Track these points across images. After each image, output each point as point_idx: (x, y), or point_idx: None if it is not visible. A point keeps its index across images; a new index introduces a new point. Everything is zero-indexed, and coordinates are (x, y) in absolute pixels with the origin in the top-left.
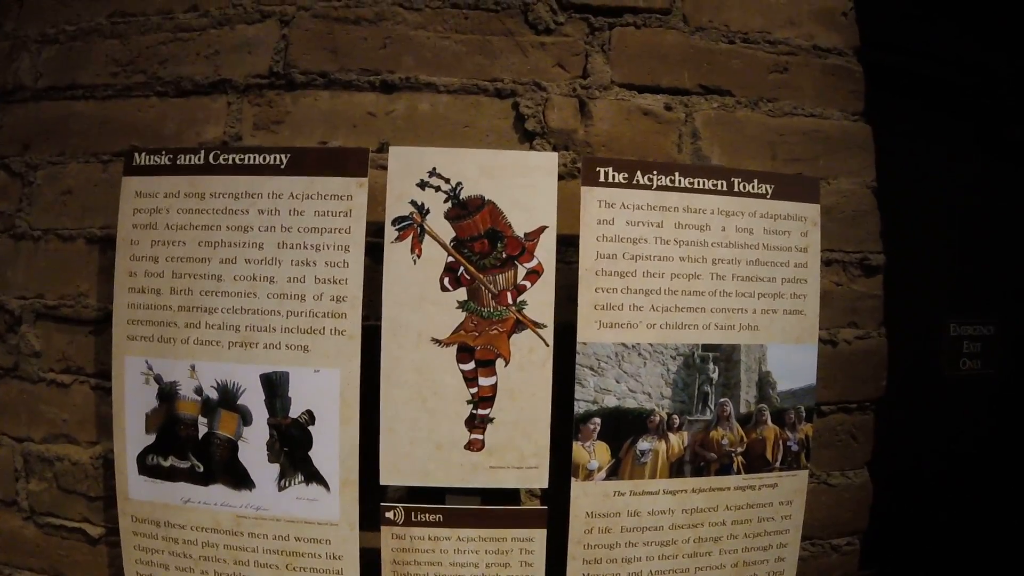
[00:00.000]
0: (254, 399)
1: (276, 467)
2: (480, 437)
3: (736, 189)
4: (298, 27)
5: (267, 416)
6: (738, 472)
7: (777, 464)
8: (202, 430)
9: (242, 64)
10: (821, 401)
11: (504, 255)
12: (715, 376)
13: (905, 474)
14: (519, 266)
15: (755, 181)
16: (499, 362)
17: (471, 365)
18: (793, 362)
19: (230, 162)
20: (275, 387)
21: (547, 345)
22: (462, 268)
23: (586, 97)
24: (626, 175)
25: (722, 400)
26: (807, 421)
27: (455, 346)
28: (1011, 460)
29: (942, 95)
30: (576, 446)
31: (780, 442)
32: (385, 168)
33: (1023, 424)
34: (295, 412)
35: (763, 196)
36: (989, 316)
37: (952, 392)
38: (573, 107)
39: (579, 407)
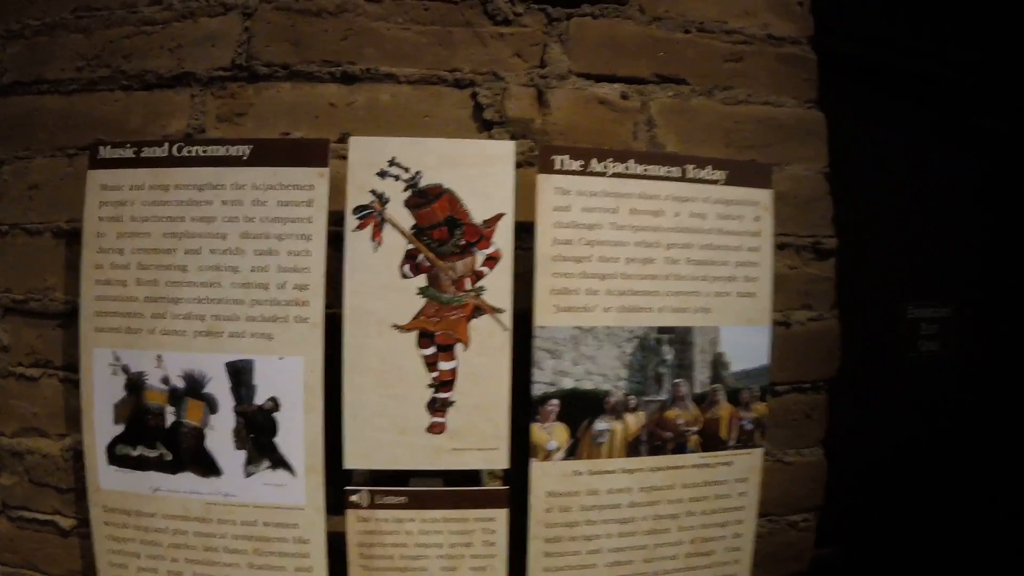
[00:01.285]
0: (220, 387)
1: (243, 454)
2: (442, 420)
3: (690, 176)
4: (260, 19)
5: (233, 404)
6: (694, 450)
7: (732, 442)
8: (170, 419)
9: (205, 57)
10: (776, 381)
11: (463, 242)
12: (670, 358)
13: (864, 453)
14: (477, 253)
15: (708, 167)
16: (459, 347)
17: (432, 350)
18: (746, 343)
19: (194, 154)
20: (240, 375)
21: (505, 329)
22: (422, 255)
23: (544, 87)
24: (582, 163)
25: (677, 381)
26: (761, 400)
27: (416, 332)
28: (969, 438)
29: (905, 84)
30: (535, 427)
31: (735, 421)
32: (346, 158)
33: (980, 403)
34: (260, 399)
35: (716, 182)
36: (947, 299)
37: (911, 373)
38: (531, 97)
39: (537, 389)
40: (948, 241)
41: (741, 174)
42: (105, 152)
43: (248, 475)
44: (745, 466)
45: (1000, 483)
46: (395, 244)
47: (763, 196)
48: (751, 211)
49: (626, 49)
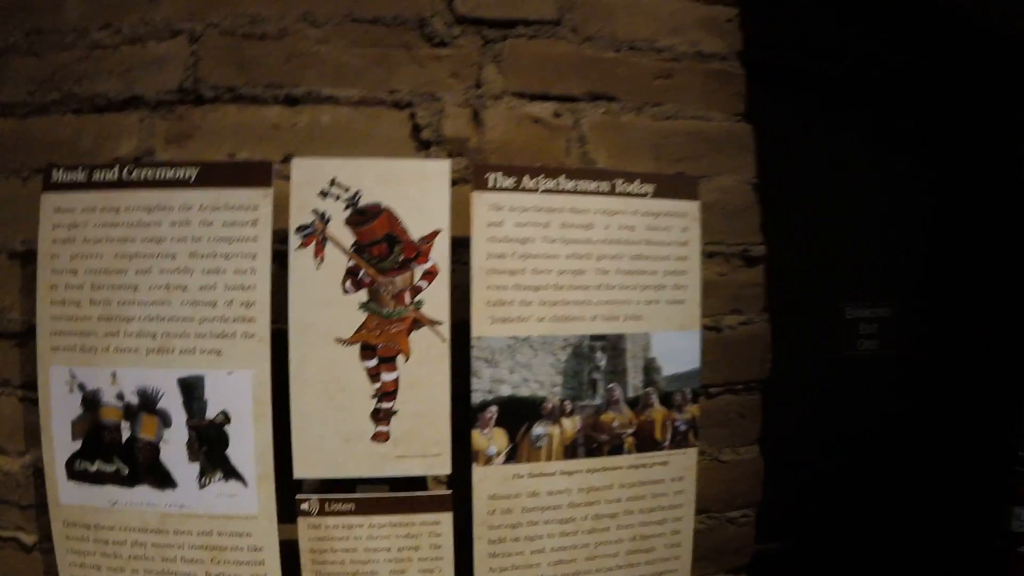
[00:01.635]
0: (173, 402)
1: (196, 466)
2: (385, 429)
3: (619, 190)
4: (207, 44)
5: (186, 418)
6: (629, 452)
7: (667, 443)
8: (125, 434)
9: (154, 80)
10: (709, 383)
11: (401, 258)
12: (603, 364)
13: (808, 449)
14: (416, 268)
15: (637, 182)
16: (400, 358)
17: (374, 362)
18: (677, 348)
19: (142, 177)
20: (191, 390)
21: (444, 341)
22: (362, 271)
23: (479, 107)
24: (514, 180)
25: (610, 385)
26: (693, 402)
27: (358, 345)
28: (910, 432)
29: (837, 90)
30: (475, 433)
31: (669, 423)
32: (290, 179)
33: (921, 398)
34: (211, 413)
35: (645, 195)
36: (886, 299)
37: (851, 371)
38: (467, 116)
39: (476, 397)
40: (888, 242)
41: (668, 187)
42: (58, 175)
43: (202, 486)
44: (680, 465)
45: (938, 477)
46: (337, 261)
47: (690, 208)
48: (679, 222)
49: (559, 68)
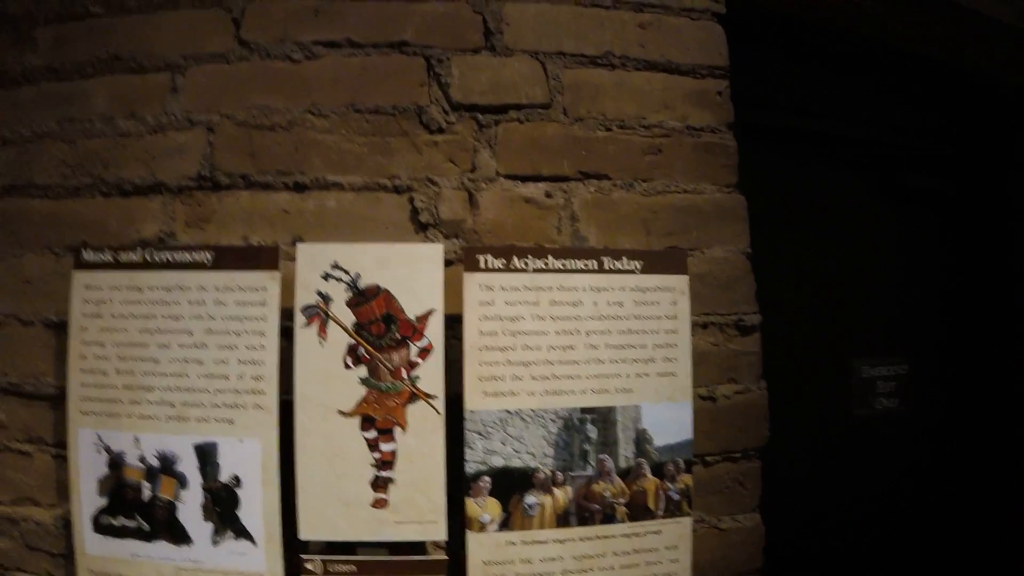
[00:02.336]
0: (189, 466)
1: (210, 525)
2: (384, 496)
3: (607, 267)
4: (221, 134)
5: (201, 480)
6: (622, 521)
7: (660, 512)
8: (146, 493)
9: (174, 168)
10: (705, 452)
11: (398, 336)
12: (593, 435)
13: (818, 512)
14: (411, 345)
15: (624, 258)
16: (397, 430)
17: (373, 433)
18: (668, 419)
19: (163, 260)
20: (206, 455)
21: (439, 414)
22: (362, 348)
23: (474, 189)
24: (503, 261)
25: (602, 456)
26: (686, 472)
27: (359, 417)
28: (932, 489)
29: (843, 149)
30: (469, 502)
31: (661, 492)
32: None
33: (943, 454)
34: (224, 477)
35: (633, 271)
36: (902, 355)
37: (868, 430)
38: (462, 199)
39: (470, 467)
40: (902, 297)
41: (657, 262)
42: (87, 256)
43: (215, 544)
44: (674, 534)
45: (962, 532)
46: (339, 339)
47: (679, 281)
48: (668, 296)
49: (550, 149)
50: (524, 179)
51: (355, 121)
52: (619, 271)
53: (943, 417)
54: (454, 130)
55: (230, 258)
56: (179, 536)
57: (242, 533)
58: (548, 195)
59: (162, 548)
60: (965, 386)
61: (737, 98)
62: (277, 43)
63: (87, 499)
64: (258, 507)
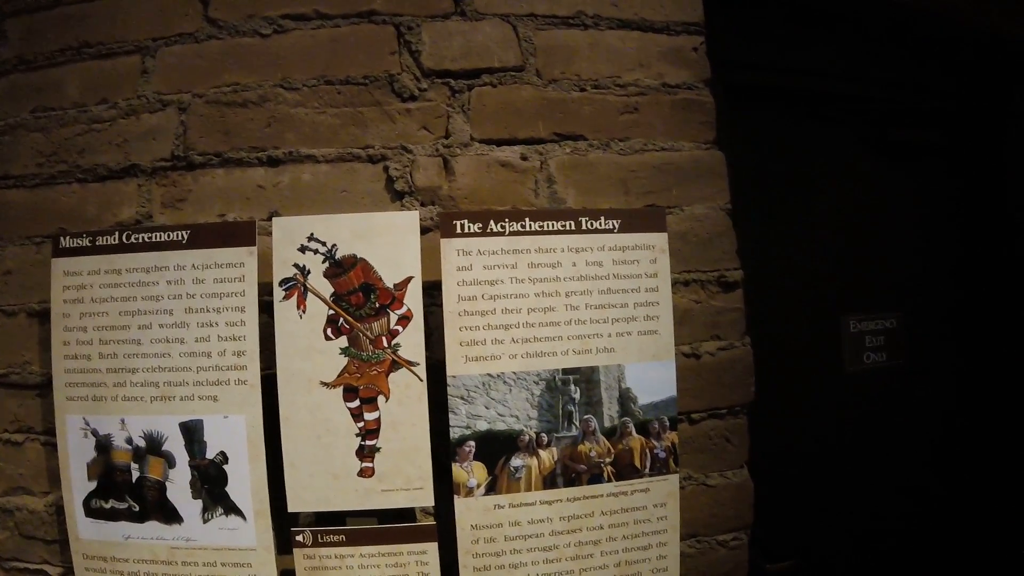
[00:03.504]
0: (176, 445)
1: (199, 503)
2: (370, 465)
3: (584, 227)
4: (194, 113)
5: (188, 459)
6: (609, 480)
7: (646, 471)
8: (135, 475)
9: (148, 150)
10: (691, 410)
11: (377, 305)
12: (577, 396)
13: (813, 467)
14: (391, 313)
15: (602, 218)
16: (380, 398)
17: (356, 403)
18: (652, 377)
19: (140, 241)
20: (192, 433)
21: (421, 380)
22: (342, 319)
23: (448, 155)
24: (480, 225)
25: (586, 417)
26: (672, 430)
27: (341, 387)
28: (922, 444)
29: (826, 106)
30: (455, 467)
31: (647, 451)
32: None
33: (935, 408)
34: (211, 454)
35: (611, 231)
36: (891, 309)
37: (858, 385)
38: (437, 166)
39: (454, 433)
40: (888, 252)
41: (635, 221)
42: (65, 242)
43: (205, 521)
44: (662, 491)
45: (960, 488)
46: (318, 310)
47: (658, 239)
48: (647, 254)
49: (525, 112)
50: (499, 143)
51: (327, 93)
52: (597, 231)
53: (935, 370)
54: (427, 97)
55: (206, 236)
56: (170, 515)
57: (231, 509)
58: (524, 158)
59: (154, 528)
60: (956, 339)
61: (727, 59)
62: (246, 19)
63: (78, 484)
64: (246, 482)
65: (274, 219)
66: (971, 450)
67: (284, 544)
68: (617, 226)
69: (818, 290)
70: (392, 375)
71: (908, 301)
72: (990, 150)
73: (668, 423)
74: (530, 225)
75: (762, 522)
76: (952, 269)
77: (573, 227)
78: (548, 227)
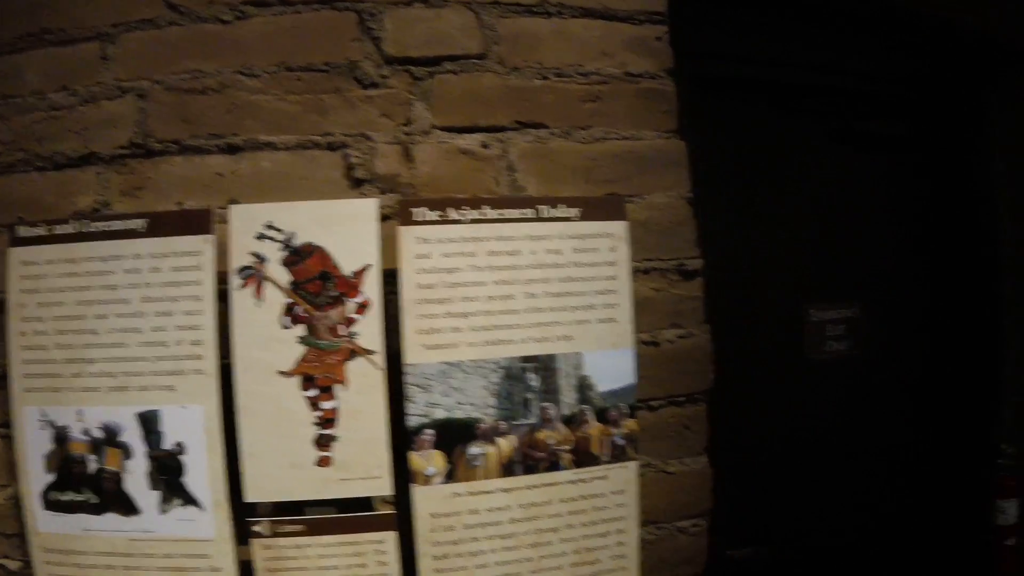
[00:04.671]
0: (133, 436)
1: (157, 494)
2: (328, 454)
3: (544, 215)
4: (153, 100)
5: (145, 449)
6: (568, 468)
7: (605, 458)
8: (93, 466)
9: (107, 137)
10: (650, 397)
11: (335, 293)
12: (536, 384)
13: (775, 453)
14: (349, 301)
15: (561, 206)
16: (338, 387)
17: (314, 392)
18: (611, 365)
19: (97, 230)
20: (149, 424)
21: (379, 369)
22: (299, 307)
23: (409, 143)
24: (439, 213)
25: (544, 405)
26: (630, 417)
27: (299, 376)
28: (882, 432)
29: (794, 97)
30: (413, 455)
31: (606, 438)
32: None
33: (895, 397)
34: (168, 444)
35: (570, 219)
36: (853, 299)
37: (820, 374)
38: (398, 153)
39: (412, 421)
40: (852, 242)
41: (595, 209)
42: (22, 231)
43: (163, 512)
44: (621, 479)
45: (919, 475)
46: (275, 299)
47: (618, 228)
48: (606, 243)
49: (486, 100)
50: (460, 131)
51: (287, 80)
52: (557, 219)
53: (895, 360)
54: (388, 84)
55: (164, 224)
56: (128, 507)
57: (189, 500)
58: (485, 146)
59: (112, 520)
60: (917, 329)
61: (694, 49)
62: (207, 5)
63: (36, 477)
64: (204, 473)
65: (232, 207)
66: (930, 439)
67: (243, 535)
68: (577, 214)
69: (782, 279)
70: (350, 363)
71: (871, 291)
72: (956, 142)
73: (627, 410)
74: (489, 213)
75: (724, 509)
76: (915, 260)
77: (533, 215)
78: (507, 215)
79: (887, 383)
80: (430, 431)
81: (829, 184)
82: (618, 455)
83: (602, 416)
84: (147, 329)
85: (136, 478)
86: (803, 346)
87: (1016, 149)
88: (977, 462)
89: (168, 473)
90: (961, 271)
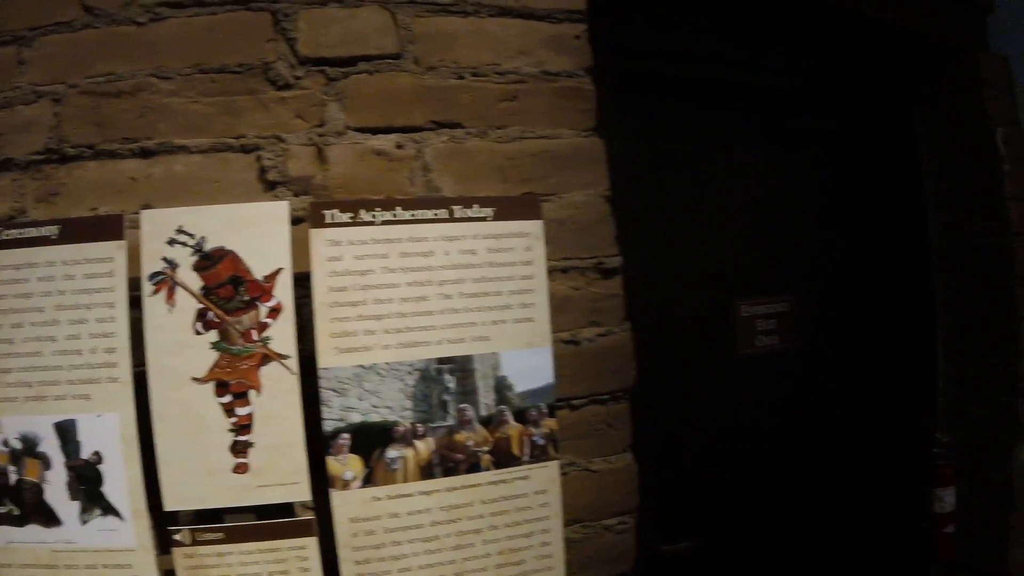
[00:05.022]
0: (51, 446)
1: (77, 504)
2: (245, 461)
3: (457, 215)
4: (68, 104)
5: (64, 460)
6: (488, 469)
7: (526, 458)
8: (13, 478)
9: (22, 143)
10: (572, 396)
11: (247, 297)
12: (452, 385)
13: (708, 448)
14: (261, 306)
15: (475, 206)
16: (252, 393)
17: (228, 398)
18: (528, 365)
19: (11, 237)
20: (66, 433)
21: (293, 374)
22: (211, 313)
23: (323, 144)
24: (351, 215)
25: (462, 406)
26: (550, 416)
27: (213, 382)
28: (818, 423)
29: (721, 94)
30: (330, 460)
31: (525, 438)
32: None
33: (826, 390)
34: (86, 454)
35: (485, 219)
36: (783, 294)
37: (752, 368)
38: (311, 155)
39: (328, 426)
40: (781, 237)
41: (510, 208)
42: None
43: (84, 523)
44: (542, 478)
45: (857, 466)
46: (187, 304)
47: (533, 227)
48: (522, 242)
49: (401, 100)
50: (375, 131)
51: (201, 82)
52: (471, 219)
53: (826, 353)
54: (302, 85)
55: (76, 231)
56: (49, 518)
57: (109, 510)
58: (399, 146)
59: (35, 532)
60: (847, 322)
61: (619, 46)
62: (123, 7)
63: None
64: (121, 482)
65: (143, 212)
66: (864, 430)
67: (165, 544)
68: (491, 214)
69: (712, 275)
70: (264, 368)
71: (802, 285)
72: (884, 137)
73: (546, 410)
74: (402, 214)
75: (659, 504)
76: (845, 253)
77: (446, 215)
78: (421, 216)
79: (820, 376)
80: (346, 435)
81: (759, 180)
82: (539, 455)
83: (521, 416)
84: (62, 338)
85: (56, 489)
86: (734, 341)
87: (942, 143)
88: (912, 452)
89: (87, 483)
90: (891, 263)
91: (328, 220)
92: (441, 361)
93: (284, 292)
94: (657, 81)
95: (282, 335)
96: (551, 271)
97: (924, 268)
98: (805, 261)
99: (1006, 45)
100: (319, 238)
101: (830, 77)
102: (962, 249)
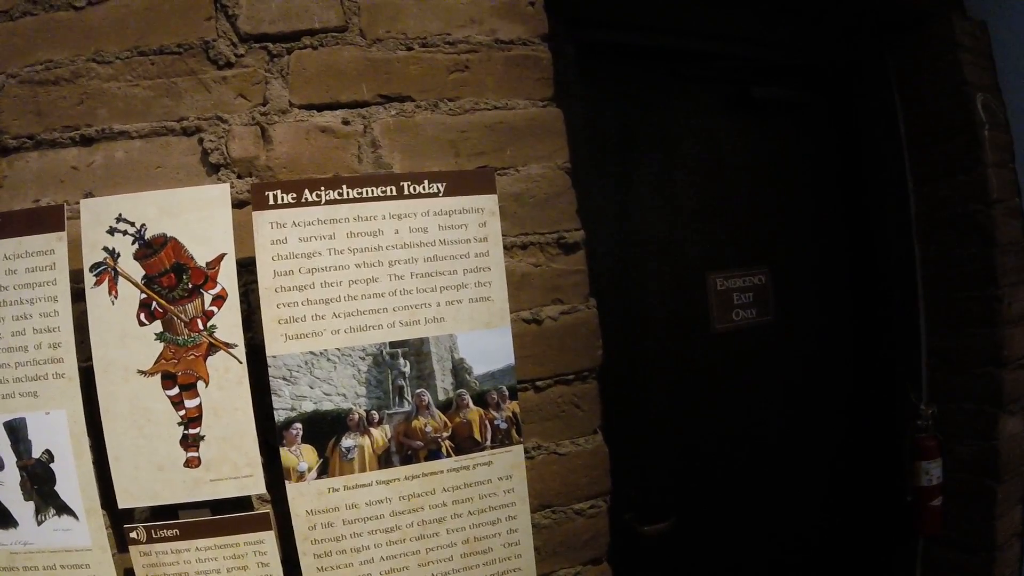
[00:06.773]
0: (3, 445)
1: (32, 504)
2: (196, 454)
3: (407, 192)
4: (7, 94)
5: (15, 459)
6: (448, 455)
7: (488, 443)
8: None
9: None
10: (536, 377)
11: (190, 285)
12: (407, 370)
13: (686, 426)
14: (205, 294)
15: (425, 182)
16: (200, 384)
17: (175, 390)
18: (487, 346)
19: None
20: (16, 432)
21: (240, 363)
22: (154, 303)
23: (266, 124)
24: (294, 195)
25: (418, 391)
26: (512, 399)
27: (159, 375)
28: (799, 397)
29: (688, 64)
30: (283, 451)
31: (486, 422)
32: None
33: (808, 362)
34: (36, 453)
35: (436, 195)
36: (759, 266)
37: (729, 342)
38: (254, 135)
39: (279, 415)
40: (756, 209)
41: (462, 183)
42: None
43: (39, 523)
44: (506, 463)
45: (840, 441)
46: (130, 295)
47: (487, 202)
48: (476, 218)
49: (347, 75)
50: (320, 108)
51: (140, 64)
52: (421, 195)
53: (803, 325)
54: (244, 63)
55: (15, 224)
56: (5, 519)
57: (63, 509)
58: (345, 123)
59: None
60: (823, 294)
61: (582, 16)
62: None
63: None
64: (73, 480)
65: (82, 201)
66: (844, 402)
67: (122, 542)
68: (442, 189)
69: (685, 249)
70: (210, 359)
71: (777, 257)
72: (853, 107)
73: (508, 392)
74: (348, 193)
75: (638, 484)
76: (821, 223)
77: (395, 192)
78: (368, 194)
79: (799, 348)
80: (298, 425)
81: (731, 151)
82: (501, 439)
83: (481, 399)
84: (7, 334)
85: (10, 489)
86: (710, 316)
87: (921, 110)
88: (895, 426)
89: (40, 483)
90: (869, 232)
91: (271, 202)
92: (394, 344)
93: (228, 278)
94: (621, 51)
95: (228, 323)
96: (509, 247)
97: (905, 237)
98: (781, 232)
99: (986, 13)
100: (262, 220)
101: (801, 45)
102: (943, 218)
